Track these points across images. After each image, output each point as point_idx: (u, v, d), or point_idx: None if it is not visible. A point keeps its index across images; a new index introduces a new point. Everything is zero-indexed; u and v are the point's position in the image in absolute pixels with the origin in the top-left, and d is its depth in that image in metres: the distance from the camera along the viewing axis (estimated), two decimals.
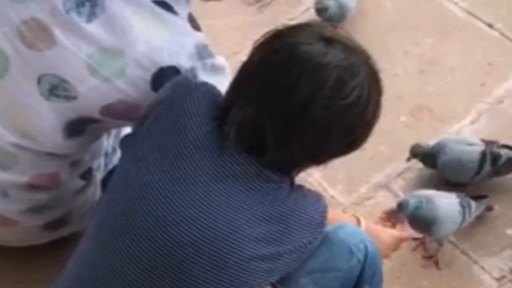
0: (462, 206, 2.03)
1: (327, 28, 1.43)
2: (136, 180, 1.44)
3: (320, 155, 1.43)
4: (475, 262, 2.10)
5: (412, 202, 1.97)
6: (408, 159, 2.22)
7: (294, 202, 1.44)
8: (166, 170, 1.42)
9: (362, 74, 1.38)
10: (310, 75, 1.35)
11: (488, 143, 2.19)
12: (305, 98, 1.35)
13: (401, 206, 1.95)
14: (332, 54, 1.37)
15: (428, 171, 2.27)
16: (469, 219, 2.06)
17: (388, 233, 1.79)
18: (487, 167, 2.16)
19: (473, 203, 2.07)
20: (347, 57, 1.38)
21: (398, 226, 1.91)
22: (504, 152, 2.18)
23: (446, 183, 2.16)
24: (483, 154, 2.16)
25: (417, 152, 2.21)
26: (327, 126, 1.37)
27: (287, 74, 1.36)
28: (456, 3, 2.71)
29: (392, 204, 2.12)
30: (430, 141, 2.23)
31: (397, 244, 1.81)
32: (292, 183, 1.46)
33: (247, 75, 1.42)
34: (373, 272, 1.62)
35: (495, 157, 2.16)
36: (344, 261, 1.59)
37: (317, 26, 1.44)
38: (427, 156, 2.20)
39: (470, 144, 2.20)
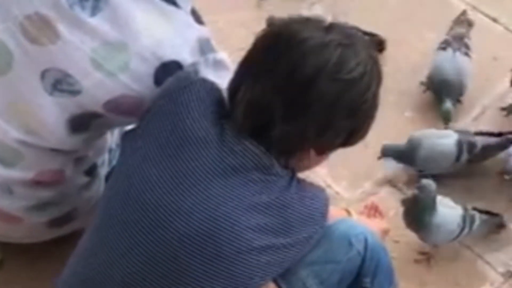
0: (464, 220, 2.03)
1: (326, 21, 1.48)
2: (135, 174, 1.45)
3: (325, 132, 1.44)
4: (480, 257, 2.10)
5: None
6: (379, 158, 2.22)
7: (294, 194, 1.45)
8: (164, 164, 1.43)
9: (363, 54, 1.43)
10: (315, 51, 1.40)
11: (461, 132, 2.22)
12: (311, 72, 1.39)
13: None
14: (333, 35, 1.42)
15: None
16: (469, 233, 2.05)
17: (374, 226, 1.80)
18: (464, 156, 2.19)
19: (477, 219, 2.06)
20: (347, 38, 1.43)
21: (378, 217, 1.93)
22: (479, 141, 2.21)
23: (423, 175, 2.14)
24: (460, 145, 2.18)
25: (388, 152, 2.21)
26: (333, 100, 1.40)
27: (293, 51, 1.40)
28: None
29: (395, 199, 2.13)
30: None
31: (381, 236, 1.81)
32: (293, 176, 1.47)
33: (253, 57, 1.46)
34: (376, 265, 1.63)
35: (471, 146, 2.19)
36: (343, 252, 1.59)
37: (316, 20, 1.48)
38: (401, 154, 2.21)
39: (445, 137, 2.21)
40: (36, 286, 1.95)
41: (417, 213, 1.98)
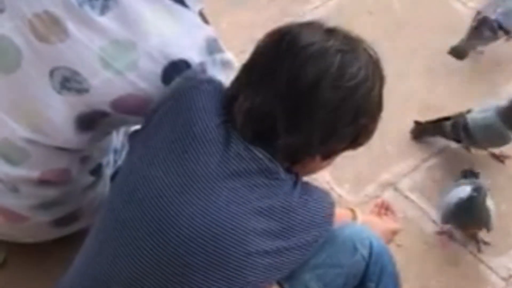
0: None
1: (326, 24, 1.47)
2: (141, 174, 1.45)
3: (330, 139, 1.43)
4: (482, 261, 2.10)
5: None
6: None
7: (298, 199, 1.44)
8: (171, 165, 1.42)
9: (364, 58, 1.43)
10: (316, 58, 1.39)
11: None
12: (313, 79, 1.38)
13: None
14: (334, 40, 1.41)
15: (436, 172, 2.27)
16: None
17: (380, 227, 1.79)
18: None
19: None
20: (348, 43, 1.42)
21: (389, 216, 1.92)
22: None
23: None
24: None
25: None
26: (337, 107, 1.40)
27: (294, 58, 1.39)
28: (464, 3, 2.72)
29: (398, 203, 2.13)
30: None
31: (388, 236, 1.81)
32: (297, 180, 1.46)
33: (253, 64, 1.45)
34: (380, 270, 1.62)
35: None
36: (347, 257, 1.59)
37: (316, 22, 1.48)
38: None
39: None
40: (39, 285, 1.94)
41: None
